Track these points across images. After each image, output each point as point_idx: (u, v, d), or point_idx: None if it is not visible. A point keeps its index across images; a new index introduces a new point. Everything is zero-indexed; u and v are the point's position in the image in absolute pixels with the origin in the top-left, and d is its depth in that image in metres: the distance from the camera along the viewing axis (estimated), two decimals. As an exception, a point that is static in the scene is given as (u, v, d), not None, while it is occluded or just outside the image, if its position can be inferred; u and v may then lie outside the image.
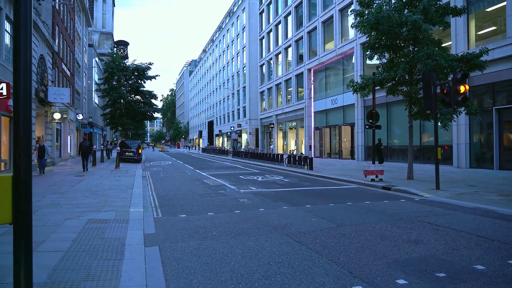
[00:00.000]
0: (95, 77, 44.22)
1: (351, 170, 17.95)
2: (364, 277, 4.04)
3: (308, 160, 19.47)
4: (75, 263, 4.42)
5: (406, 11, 13.17)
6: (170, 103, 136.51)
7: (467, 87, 10.80)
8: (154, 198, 10.02)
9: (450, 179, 13.37)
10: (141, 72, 32.77)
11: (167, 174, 17.51)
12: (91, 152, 20.94)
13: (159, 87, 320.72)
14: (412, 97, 13.45)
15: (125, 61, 35.04)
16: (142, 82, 33.68)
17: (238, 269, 4.33)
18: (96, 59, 45.67)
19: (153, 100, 34.89)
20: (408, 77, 13.26)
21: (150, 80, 34.00)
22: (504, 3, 16.27)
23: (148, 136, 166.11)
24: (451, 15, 13.60)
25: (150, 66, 33.12)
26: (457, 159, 18.55)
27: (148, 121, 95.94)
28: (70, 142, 30.49)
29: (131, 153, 25.26)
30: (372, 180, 13.08)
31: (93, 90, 42.83)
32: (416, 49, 13.07)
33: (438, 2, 13.06)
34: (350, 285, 3.82)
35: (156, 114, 42.05)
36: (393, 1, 13.90)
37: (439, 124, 12.18)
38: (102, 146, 31.94)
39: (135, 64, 32.84)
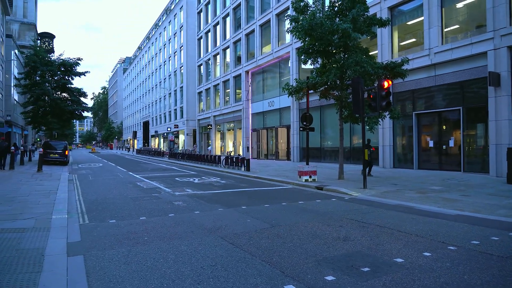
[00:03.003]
0: (15, 71, 40.12)
1: (286, 171, 18.44)
2: (296, 276, 4.14)
3: (245, 161, 19.62)
4: (-18, 279, 3.93)
5: (337, 19, 13.88)
6: (102, 102, 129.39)
7: (390, 92, 11.69)
8: (81, 203, 9.35)
9: (376, 179, 14.35)
10: (69, 67, 30.52)
11: (96, 177, 16.48)
12: (8, 153, 18.98)
13: (90, 84, 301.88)
14: (342, 101, 14.19)
15: (51, 55, 32.31)
16: (70, 78, 31.39)
17: (169, 275, 4.18)
18: (16, 51, 41.47)
19: (82, 98, 32.67)
20: (339, 82, 13.96)
21: (79, 76, 31.87)
22: (422, 18, 17.91)
23: (78, 136, 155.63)
24: (377, 26, 14.62)
25: (79, 61, 31.02)
26: (382, 160, 19.99)
27: (77, 121, 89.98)
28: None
29: (57, 155, 23.40)
30: (306, 180, 13.56)
31: (12, 85, 38.81)
32: (346, 56, 13.82)
33: (366, 13, 13.92)
34: (281, 285, 3.89)
35: (85, 113, 39.50)
36: (326, 9, 14.58)
37: (366, 127, 13.00)
38: (22, 147, 29.04)
39: (62, 59, 30.46)
